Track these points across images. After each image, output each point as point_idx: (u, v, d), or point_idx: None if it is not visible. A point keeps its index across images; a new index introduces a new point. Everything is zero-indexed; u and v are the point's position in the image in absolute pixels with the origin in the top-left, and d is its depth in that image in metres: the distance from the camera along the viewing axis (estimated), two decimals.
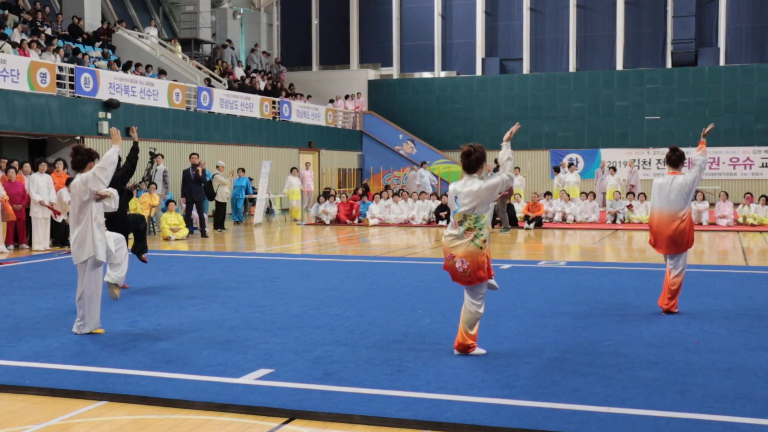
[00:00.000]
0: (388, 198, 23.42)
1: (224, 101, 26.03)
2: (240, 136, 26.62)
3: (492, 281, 6.89)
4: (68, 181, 16.06)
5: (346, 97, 35.13)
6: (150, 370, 6.39)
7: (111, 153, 7.87)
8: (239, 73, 32.28)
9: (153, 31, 29.82)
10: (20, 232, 16.31)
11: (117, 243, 8.95)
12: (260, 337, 7.62)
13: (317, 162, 31.31)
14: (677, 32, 33.62)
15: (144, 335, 7.76)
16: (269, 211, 26.14)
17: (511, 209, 21.55)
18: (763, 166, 31.55)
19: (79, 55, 22.91)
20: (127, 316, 8.71)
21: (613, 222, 22.19)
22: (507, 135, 7.00)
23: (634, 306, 9.23)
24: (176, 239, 18.20)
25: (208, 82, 27.32)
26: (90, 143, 20.44)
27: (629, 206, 22.32)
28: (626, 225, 21.69)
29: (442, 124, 35.39)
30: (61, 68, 20.26)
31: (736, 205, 21.98)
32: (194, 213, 19.75)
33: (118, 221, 9.89)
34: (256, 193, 23.87)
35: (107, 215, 8.37)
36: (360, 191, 25.17)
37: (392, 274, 12.16)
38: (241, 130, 26.74)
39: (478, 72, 36.06)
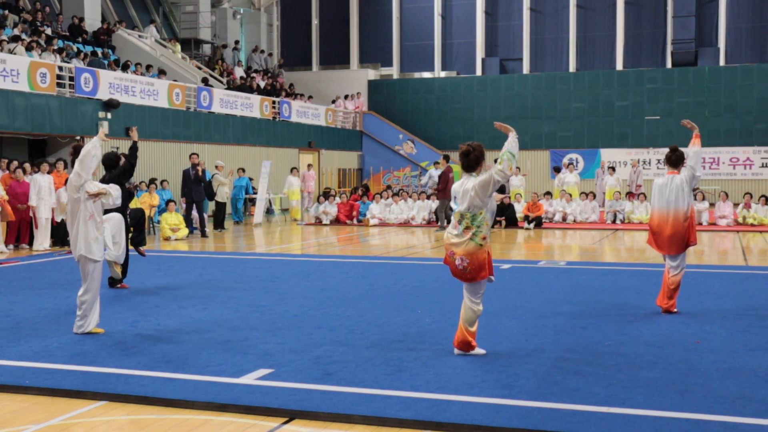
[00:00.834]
0: (388, 198, 23.42)
1: (224, 101, 26.03)
2: (240, 136, 26.62)
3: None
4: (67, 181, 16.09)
5: (346, 97, 35.14)
6: (150, 370, 6.39)
7: (89, 145, 7.79)
8: (239, 73, 32.27)
9: (153, 31, 29.83)
10: (22, 232, 16.30)
11: (115, 225, 8.97)
12: (260, 337, 7.62)
13: (317, 162, 31.32)
14: (677, 32, 33.62)
15: (144, 335, 7.76)
16: (269, 211, 26.14)
17: (511, 209, 21.56)
18: (763, 166, 31.54)
19: (81, 56, 22.92)
20: (127, 316, 8.71)
21: (613, 222, 22.20)
22: (505, 128, 7.02)
23: (634, 306, 9.23)
24: (176, 239, 18.20)
25: (205, 81, 27.32)
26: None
27: (631, 195, 22.26)
28: (626, 225, 21.69)
29: (442, 124, 35.39)
30: (61, 68, 20.26)
31: (736, 205, 21.97)
32: (194, 213, 19.75)
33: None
34: (256, 193, 23.87)
35: (108, 210, 8.38)
36: (360, 191, 25.16)
37: (392, 274, 12.16)
38: (241, 130, 26.74)
39: (478, 72, 36.06)
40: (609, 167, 26.35)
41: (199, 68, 29.23)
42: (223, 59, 32.97)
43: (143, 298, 9.91)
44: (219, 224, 20.77)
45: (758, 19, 33.25)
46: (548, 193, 23.55)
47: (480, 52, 36.13)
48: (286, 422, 5.33)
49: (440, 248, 16.70)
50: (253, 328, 8.06)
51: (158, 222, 19.36)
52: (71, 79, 20.31)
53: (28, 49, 20.53)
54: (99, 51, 25.22)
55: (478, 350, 6.84)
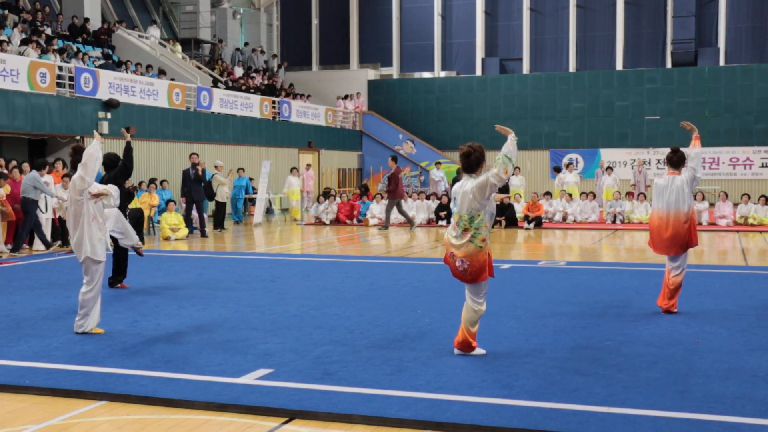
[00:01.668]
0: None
1: (224, 101, 26.03)
2: (240, 136, 26.62)
3: None
4: (63, 177, 16.13)
5: (346, 97, 35.14)
6: (150, 370, 6.39)
7: (90, 148, 7.81)
8: (239, 72, 32.26)
9: (153, 31, 29.82)
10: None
11: (117, 220, 9.00)
12: (260, 337, 7.62)
13: (317, 162, 31.32)
14: (677, 32, 33.62)
15: (144, 335, 7.76)
16: (269, 211, 26.14)
17: (510, 209, 21.56)
18: (762, 166, 31.54)
19: (80, 55, 22.92)
20: (127, 316, 8.71)
21: (613, 222, 22.20)
22: (505, 130, 6.96)
23: (634, 306, 9.23)
24: (176, 239, 18.19)
25: (215, 83, 27.37)
26: (90, 143, 20.41)
27: (631, 195, 22.28)
28: (626, 225, 21.69)
29: (442, 124, 35.39)
30: (60, 68, 20.26)
31: (735, 205, 21.98)
32: (194, 213, 19.75)
33: None
34: (255, 193, 23.87)
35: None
36: (359, 191, 25.16)
37: (392, 274, 12.16)
38: (241, 130, 26.74)
39: (478, 72, 36.06)
40: (607, 167, 26.35)
41: (199, 68, 29.22)
42: (222, 59, 32.95)
43: (143, 298, 9.90)
44: (219, 224, 20.77)
45: (758, 19, 33.25)
46: (548, 193, 23.54)
47: (480, 52, 36.13)
48: (286, 422, 5.33)
49: (439, 247, 16.69)
50: (253, 328, 8.06)
51: (158, 222, 19.36)
52: (71, 79, 20.31)
53: (44, 52, 20.65)
54: (103, 50, 25.23)
55: (479, 350, 6.84)
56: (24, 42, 21.13)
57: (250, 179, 24.89)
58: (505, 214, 21.19)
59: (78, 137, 20.18)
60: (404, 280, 11.36)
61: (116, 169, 10.17)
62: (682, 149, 8.95)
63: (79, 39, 25.45)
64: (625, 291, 10.33)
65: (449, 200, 22.47)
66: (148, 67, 25.23)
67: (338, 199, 23.81)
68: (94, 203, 7.87)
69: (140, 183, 20.12)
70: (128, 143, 10.12)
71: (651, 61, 34.28)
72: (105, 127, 20.77)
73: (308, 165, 29.28)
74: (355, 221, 23.05)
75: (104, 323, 8.08)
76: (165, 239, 18.16)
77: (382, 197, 22.35)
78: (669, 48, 33.96)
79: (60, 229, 16.56)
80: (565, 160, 28.96)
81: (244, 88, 29.50)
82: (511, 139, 6.77)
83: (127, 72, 23.55)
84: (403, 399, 5.59)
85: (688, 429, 4.98)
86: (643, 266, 13.00)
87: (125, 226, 9.80)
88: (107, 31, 27.22)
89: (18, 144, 21.08)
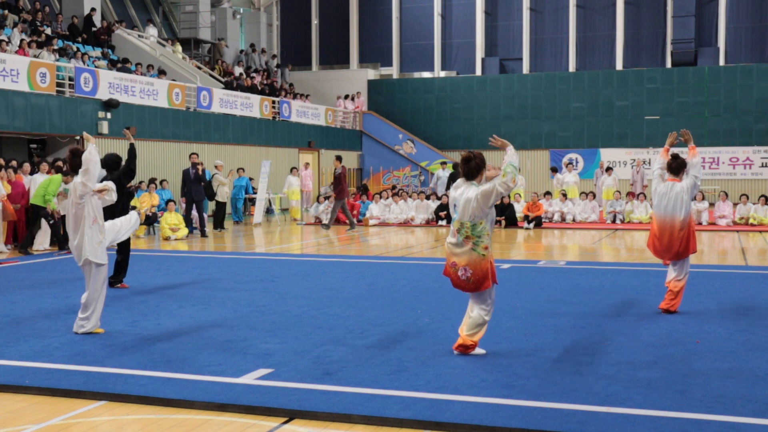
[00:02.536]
0: (387, 198, 23.42)
1: (224, 101, 26.03)
2: (240, 136, 26.62)
3: None
4: (58, 171, 16.17)
5: (346, 97, 35.15)
6: (150, 370, 6.39)
7: (88, 153, 7.78)
8: (239, 72, 32.24)
9: (151, 31, 29.81)
10: (20, 232, 16.30)
11: (110, 230, 8.91)
12: (260, 337, 7.62)
13: (317, 162, 31.31)
14: (677, 32, 33.62)
15: (144, 335, 7.76)
16: (269, 211, 26.13)
17: (510, 209, 21.57)
18: (762, 166, 31.54)
19: (79, 55, 22.90)
20: (127, 316, 8.71)
21: (613, 222, 22.20)
22: (502, 143, 6.81)
23: (634, 306, 9.24)
24: (176, 239, 18.19)
25: (228, 86, 27.43)
26: (87, 147, 20.40)
27: (631, 194, 22.28)
28: (626, 225, 21.69)
29: (442, 124, 35.39)
30: (60, 68, 20.25)
31: (735, 205, 21.99)
32: (194, 213, 19.74)
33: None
34: (255, 193, 23.87)
35: (109, 212, 8.41)
36: (358, 191, 25.18)
37: (392, 274, 12.16)
38: (241, 130, 26.74)
39: (478, 72, 36.06)
40: (607, 168, 26.35)
41: (199, 68, 29.21)
42: (222, 59, 32.94)
43: (143, 298, 9.90)
44: (219, 224, 20.77)
45: (758, 19, 33.25)
46: (548, 193, 23.55)
47: (480, 52, 36.12)
48: (285, 422, 5.33)
49: (438, 247, 16.69)
50: (252, 328, 8.06)
51: (158, 222, 19.36)
52: (71, 78, 20.31)
53: (63, 55, 20.85)
54: (103, 50, 25.23)
55: (478, 350, 6.84)
56: (40, 45, 21.58)
57: (250, 179, 24.89)
58: (505, 214, 21.19)
59: (78, 137, 20.18)
60: (404, 280, 11.37)
61: (120, 171, 10.25)
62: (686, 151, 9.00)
63: (79, 39, 25.45)
64: (625, 291, 10.33)
65: (448, 201, 22.46)
66: (149, 66, 25.23)
67: None
68: (98, 199, 7.88)
69: (140, 183, 20.12)
70: (132, 145, 10.17)
71: (651, 61, 34.28)
72: (105, 127, 20.78)
73: (306, 164, 29.28)
74: (355, 221, 23.04)
75: (104, 323, 8.08)
76: (165, 239, 18.16)
77: (325, 198, 22.98)
78: (669, 48, 33.96)
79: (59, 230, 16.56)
80: (565, 160, 28.97)
81: (251, 87, 29.49)
82: (512, 149, 6.69)
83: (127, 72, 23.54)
84: (403, 399, 5.59)
85: (687, 429, 4.98)
86: (643, 266, 13.01)
87: (120, 227, 9.61)
88: (107, 31, 27.23)
89: (18, 144, 21.08)
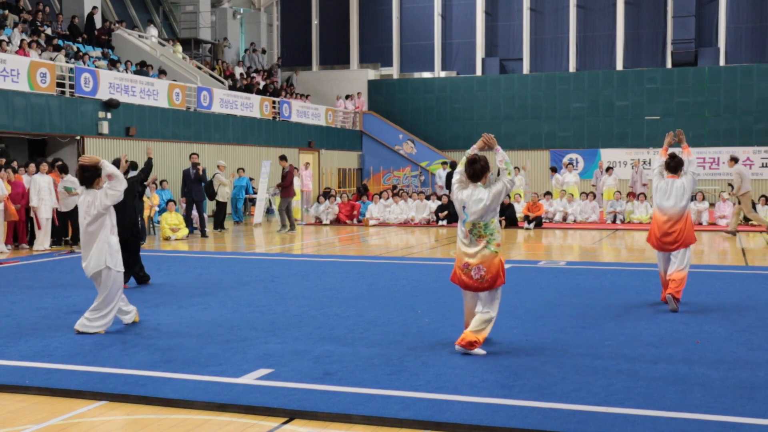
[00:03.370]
0: (388, 198, 23.42)
1: (224, 101, 26.03)
2: (240, 136, 26.62)
3: None
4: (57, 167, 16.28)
5: (347, 97, 35.15)
6: (150, 370, 6.39)
7: (115, 170, 7.95)
8: (239, 72, 32.25)
9: (151, 31, 29.82)
10: (20, 232, 16.31)
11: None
12: (260, 337, 7.62)
13: (317, 162, 31.31)
14: (677, 32, 33.62)
15: (144, 335, 7.76)
16: (269, 211, 26.13)
17: (511, 209, 21.57)
18: (762, 166, 31.54)
19: (79, 54, 22.90)
20: None
21: (613, 222, 22.20)
22: (491, 144, 7.03)
23: (634, 306, 9.24)
24: (176, 239, 18.20)
25: (238, 87, 27.50)
26: (90, 143, 20.45)
27: (631, 195, 22.26)
28: (626, 225, 21.69)
29: (442, 124, 35.39)
30: (61, 68, 20.26)
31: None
32: (194, 213, 19.75)
33: (127, 223, 10.23)
34: (256, 193, 23.87)
35: (120, 212, 8.66)
36: (359, 189, 25.16)
37: (392, 274, 12.16)
38: (241, 130, 26.74)
39: (478, 72, 36.05)
40: (607, 168, 26.35)
41: (199, 68, 29.21)
42: (223, 59, 32.94)
43: (143, 298, 9.90)
44: (219, 224, 20.78)
45: (758, 19, 33.25)
46: (548, 193, 23.55)
47: (480, 52, 36.12)
48: (285, 422, 5.33)
49: (438, 247, 16.70)
50: (252, 328, 8.06)
51: (158, 222, 19.36)
52: (71, 78, 20.31)
53: (67, 55, 21.01)
54: (103, 50, 25.23)
55: (479, 350, 6.85)
56: (56, 48, 21.99)
57: (250, 179, 24.89)
58: (506, 214, 21.19)
59: (78, 137, 20.19)
60: (404, 280, 11.37)
61: (135, 176, 11.02)
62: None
63: (79, 39, 25.45)
64: (625, 291, 10.33)
65: (449, 200, 22.48)
66: (149, 66, 25.23)
67: (338, 199, 23.80)
68: (110, 216, 7.99)
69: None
70: (149, 159, 11.69)
71: (651, 61, 34.27)
72: (105, 127, 20.78)
73: (306, 164, 29.28)
74: (355, 221, 23.05)
75: None
76: (165, 239, 18.16)
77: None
78: (669, 48, 33.96)
79: (59, 229, 16.57)
80: (565, 160, 28.97)
81: (254, 88, 29.51)
82: (500, 149, 7.07)
83: (127, 72, 23.55)
84: (403, 399, 5.59)
85: (687, 429, 4.98)
86: (643, 266, 13.00)
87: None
88: (108, 31, 27.23)
89: (18, 144, 21.09)
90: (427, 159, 33.75)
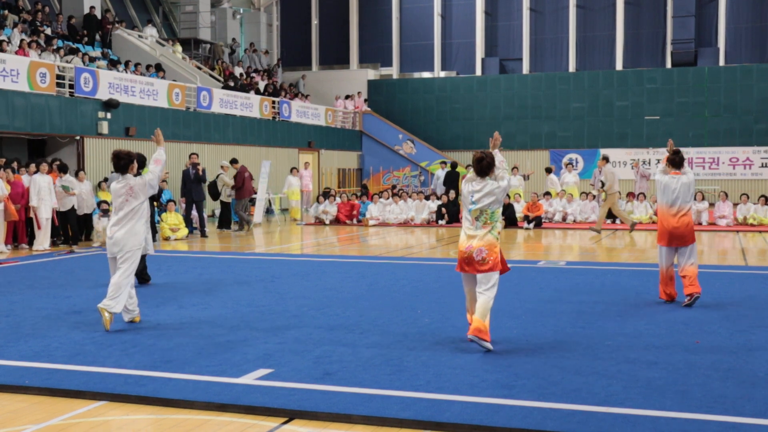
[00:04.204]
0: (388, 198, 23.42)
1: (224, 101, 26.02)
2: (239, 136, 26.62)
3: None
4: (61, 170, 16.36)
5: (346, 97, 35.15)
6: (149, 370, 6.39)
7: (158, 154, 8.55)
8: (238, 72, 32.25)
9: (150, 31, 29.82)
10: (20, 232, 16.30)
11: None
12: (260, 337, 7.62)
13: (317, 162, 31.30)
14: (677, 32, 33.62)
15: (143, 335, 7.76)
16: (269, 211, 26.12)
17: (510, 209, 21.56)
18: (762, 166, 31.54)
19: (80, 54, 22.91)
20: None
21: (613, 222, 22.19)
22: (494, 144, 7.57)
23: (634, 306, 9.24)
24: (176, 239, 18.19)
25: (228, 85, 27.53)
26: (89, 143, 20.45)
27: (631, 195, 22.25)
28: (625, 225, 21.65)
29: (442, 124, 35.39)
30: (60, 68, 20.25)
31: (735, 205, 21.99)
32: (194, 213, 19.74)
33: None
34: (255, 193, 23.85)
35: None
36: (358, 191, 25.16)
37: (391, 274, 12.16)
38: (241, 130, 26.73)
39: (478, 72, 36.06)
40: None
41: (199, 68, 29.21)
42: (222, 59, 32.94)
43: (143, 298, 9.88)
44: (224, 224, 20.82)
45: (758, 19, 33.25)
46: (548, 194, 23.55)
47: (479, 52, 36.13)
48: (285, 422, 5.33)
49: (438, 247, 16.70)
50: (252, 328, 8.06)
51: (158, 222, 19.35)
52: (71, 79, 20.31)
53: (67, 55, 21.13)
54: (103, 50, 25.22)
55: (488, 344, 6.93)
56: (71, 51, 22.20)
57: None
58: (505, 214, 21.18)
59: (78, 137, 20.19)
60: (404, 280, 11.37)
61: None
62: (686, 151, 9.42)
63: (78, 37, 25.43)
64: (625, 291, 10.33)
65: (448, 200, 22.48)
66: (148, 66, 25.23)
67: (338, 199, 23.80)
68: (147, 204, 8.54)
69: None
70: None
71: (651, 61, 34.28)
72: (104, 127, 20.77)
73: (306, 163, 29.28)
74: (354, 221, 23.05)
75: None
76: (165, 239, 18.15)
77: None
78: (669, 48, 33.96)
79: (58, 229, 16.57)
80: (565, 160, 28.96)
81: (255, 89, 29.48)
82: (497, 152, 7.50)
83: (126, 72, 23.55)
84: (403, 399, 5.59)
85: (687, 429, 4.98)
86: (643, 266, 13.00)
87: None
88: (107, 32, 27.21)
89: (18, 144, 21.08)
90: (426, 159, 33.74)
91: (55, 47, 22.29)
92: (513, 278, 11.43)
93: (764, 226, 20.48)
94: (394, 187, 28.91)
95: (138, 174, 8.60)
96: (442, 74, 36.66)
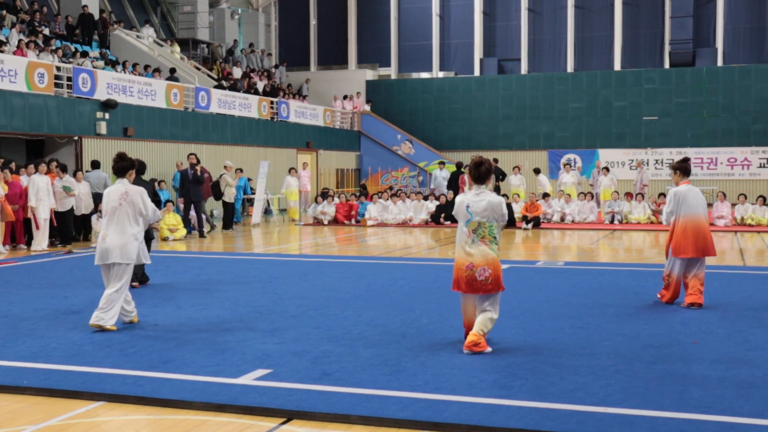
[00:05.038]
0: (387, 199, 23.42)
1: (222, 101, 26.01)
2: (238, 137, 26.61)
3: None
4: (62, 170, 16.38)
5: (345, 97, 35.14)
6: (148, 371, 6.38)
7: (159, 217, 8.72)
8: (237, 73, 32.24)
9: (147, 31, 29.80)
10: (18, 233, 16.29)
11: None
12: (258, 337, 7.61)
13: (315, 162, 31.30)
14: (675, 32, 33.64)
15: (142, 335, 7.75)
16: (267, 212, 26.12)
17: (509, 209, 21.57)
18: (760, 167, 31.57)
19: (77, 54, 22.90)
20: None
21: (611, 222, 22.21)
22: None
23: (632, 306, 9.24)
24: (174, 239, 18.19)
25: (259, 91, 27.59)
26: (88, 143, 20.43)
27: (629, 195, 22.27)
28: (624, 225, 21.69)
29: (440, 124, 35.40)
30: (58, 68, 20.24)
31: (733, 205, 22.00)
32: (192, 213, 19.73)
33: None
34: (254, 194, 23.86)
35: None
36: (357, 192, 25.16)
37: (390, 274, 12.16)
38: (239, 130, 26.72)
39: (476, 72, 36.07)
40: (603, 168, 26.34)
41: (198, 68, 29.19)
42: (222, 59, 32.92)
43: (141, 299, 9.88)
44: (228, 224, 20.82)
45: (756, 20, 33.28)
46: (546, 194, 23.56)
47: (478, 53, 36.13)
48: (284, 422, 5.33)
49: (437, 247, 16.70)
50: (251, 328, 8.06)
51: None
52: (69, 79, 20.29)
53: (65, 55, 21.14)
54: (101, 51, 25.21)
55: (486, 349, 6.92)
56: (83, 54, 22.38)
57: (249, 179, 24.88)
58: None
59: (76, 137, 20.17)
60: (402, 281, 11.36)
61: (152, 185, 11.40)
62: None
63: (75, 37, 25.42)
64: (623, 291, 10.34)
65: (447, 200, 22.46)
66: (147, 67, 25.21)
67: (336, 200, 23.80)
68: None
69: (160, 182, 20.12)
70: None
71: (649, 62, 34.30)
72: (103, 127, 20.76)
73: (305, 164, 29.27)
74: (353, 221, 23.05)
75: None
76: (163, 239, 18.15)
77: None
78: (667, 48, 33.99)
79: (57, 229, 16.56)
80: (564, 161, 28.97)
81: (253, 89, 29.48)
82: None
83: (125, 72, 23.54)
84: (401, 399, 5.59)
85: (686, 429, 4.99)
86: (642, 266, 13.01)
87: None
88: (105, 32, 27.19)
89: (16, 144, 21.06)
90: (425, 159, 33.73)
91: (53, 47, 22.28)
92: (511, 278, 11.43)
93: (762, 227, 20.49)
94: (391, 188, 28.88)
95: (137, 180, 8.62)
96: (441, 74, 36.68)
